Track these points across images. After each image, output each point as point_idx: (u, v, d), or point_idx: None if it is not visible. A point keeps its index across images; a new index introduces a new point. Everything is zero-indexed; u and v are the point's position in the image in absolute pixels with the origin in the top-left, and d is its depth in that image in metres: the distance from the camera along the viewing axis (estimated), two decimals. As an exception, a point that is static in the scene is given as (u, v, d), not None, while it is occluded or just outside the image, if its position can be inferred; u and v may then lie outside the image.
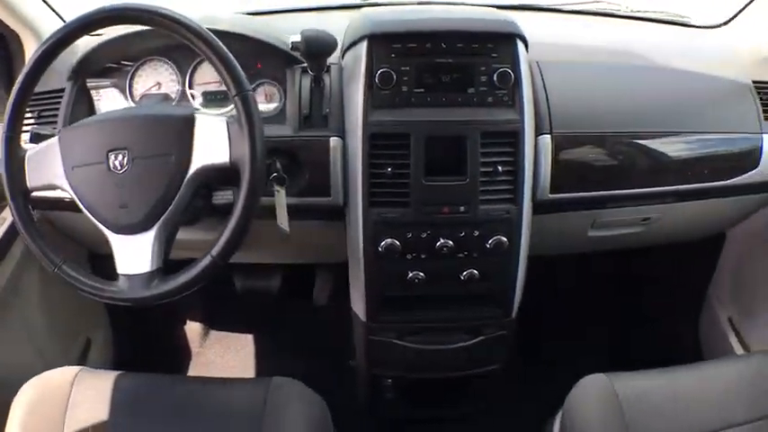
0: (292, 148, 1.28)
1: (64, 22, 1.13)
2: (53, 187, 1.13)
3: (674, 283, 2.07)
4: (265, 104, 1.35)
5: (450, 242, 1.29)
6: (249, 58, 1.32)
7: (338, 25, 1.35)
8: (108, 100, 1.39)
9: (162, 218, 1.08)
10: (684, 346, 2.00)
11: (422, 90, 1.26)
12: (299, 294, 2.10)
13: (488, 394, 1.67)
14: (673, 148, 1.42)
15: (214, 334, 2.23)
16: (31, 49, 1.43)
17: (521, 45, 1.28)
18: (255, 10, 1.70)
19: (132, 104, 1.38)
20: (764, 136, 1.46)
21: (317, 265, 2.03)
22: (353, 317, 1.47)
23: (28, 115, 1.29)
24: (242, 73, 1.07)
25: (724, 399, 1.21)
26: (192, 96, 1.37)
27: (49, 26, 1.44)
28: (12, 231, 1.41)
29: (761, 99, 1.49)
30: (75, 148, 1.11)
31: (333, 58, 1.31)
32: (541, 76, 1.37)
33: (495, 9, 1.47)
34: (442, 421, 1.83)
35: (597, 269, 2.14)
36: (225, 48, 1.07)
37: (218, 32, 1.09)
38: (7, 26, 1.42)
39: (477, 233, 1.29)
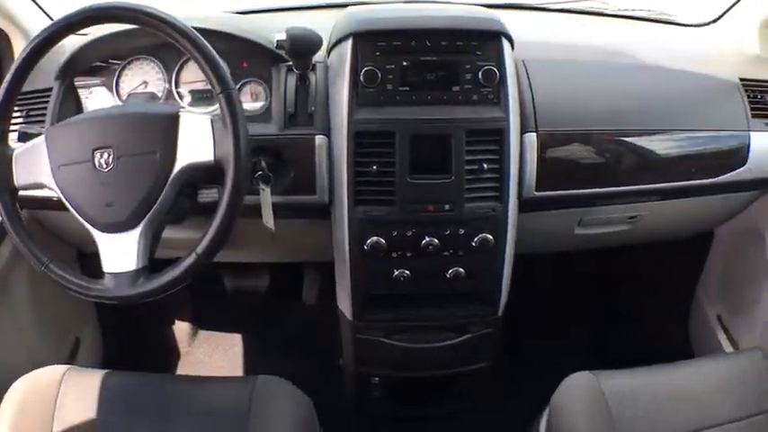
0: (278, 146, 1.29)
1: (52, 20, 1.13)
2: (40, 186, 1.14)
3: (663, 282, 2.07)
4: (251, 103, 1.35)
5: (436, 240, 1.29)
6: (235, 56, 1.33)
7: (327, 24, 1.36)
8: (96, 99, 1.39)
9: (147, 216, 1.08)
10: (675, 344, 2.00)
11: (407, 88, 1.26)
12: (288, 294, 2.11)
13: (474, 393, 1.67)
14: (660, 145, 1.42)
15: (203, 333, 2.23)
16: (19, 48, 1.43)
17: (506, 43, 1.28)
18: (244, 9, 1.70)
19: (119, 103, 1.38)
20: (752, 133, 1.46)
21: (306, 264, 2.04)
22: (340, 315, 1.47)
23: (16, 114, 1.29)
24: (226, 71, 1.08)
25: (712, 396, 1.21)
26: (180, 95, 1.37)
27: (38, 25, 1.44)
28: (0, 231, 1.41)
29: (748, 97, 1.49)
30: (61, 146, 1.12)
31: (318, 57, 1.31)
32: (527, 74, 1.37)
33: (482, 7, 1.47)
34: (429, 420, 1.83)
35: (586, 268, 2.14)
36: (209, 46, 1.07)
37: (204, 31, 1.09)
38: (-4, 25, 1.42)
39: (462, 231, 1.30)
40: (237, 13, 1.68)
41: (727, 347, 1.77)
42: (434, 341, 1.45)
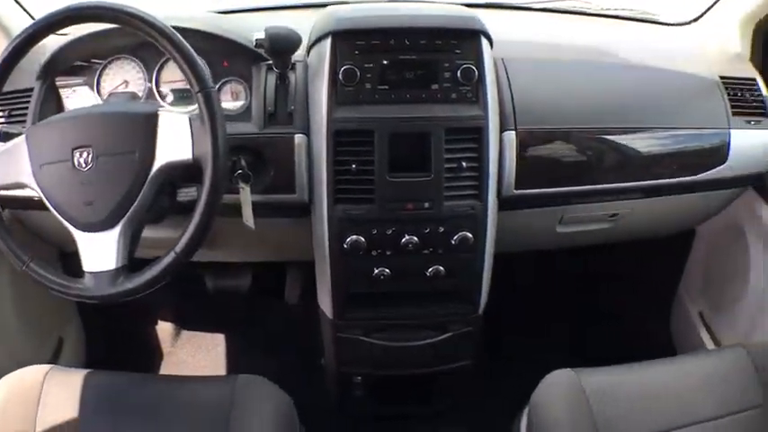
0: (257, 145, 1.29)
1: (33, 20, 1.13)
2: (21, 185, 1.13)
3: (644, 280, 2.07)
4: (232, 102, 1.35)
5: (415, 238, 1.29)
6: (216, 56, 1.33)
7: (308, 23, 1.36)
8: (78, 98, 1.39)
9: (126, 215, 1.08)
10: (657, 342, 2.00)
11: (386, 87, 1.27)
12: (270, 293, 2.11)
13: (455, 391, 1.67)
14: (641, 143, 1.42)
15: (185, 333, 2.23)
16: (0, 48, 1.43)
17: (485, 41, 1.29)
18: (225, 9, 1.70)
19: (100, 103, 1.38)
20: (732, 131, 1.47)
21: (288, 263, 2.03)
22: (321, 314, 1.47)
23: None
24: (204, 70, 1.08)
25: (694, 394, 1.20)
26: (161, 94, 1.37)
27: (19, 24, 1.44)
28: None
29: (728, 95, 1.50)
30: (41, 145, 1.11)
31: (298, 56, 1.31)
32: (507, 72, 1.37)
33: (461, 6, 1.48)
34: (410, 418, 1.83)
35: (567, 266, 2.14)
36: (187, 45, 1.07)
37: (184, 30, 1.10)
38: (-24, 25, 1.42)
39: (441, 229, 1.30)
40: (219, 12, 1.68)
41: (710, 345, 1.78)
42: (415, 339, 1.45)
